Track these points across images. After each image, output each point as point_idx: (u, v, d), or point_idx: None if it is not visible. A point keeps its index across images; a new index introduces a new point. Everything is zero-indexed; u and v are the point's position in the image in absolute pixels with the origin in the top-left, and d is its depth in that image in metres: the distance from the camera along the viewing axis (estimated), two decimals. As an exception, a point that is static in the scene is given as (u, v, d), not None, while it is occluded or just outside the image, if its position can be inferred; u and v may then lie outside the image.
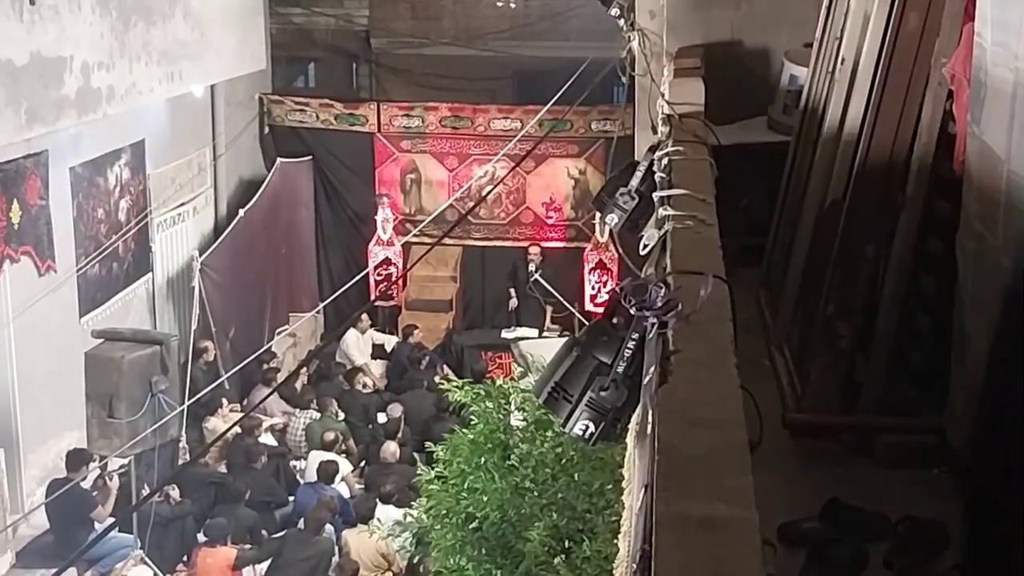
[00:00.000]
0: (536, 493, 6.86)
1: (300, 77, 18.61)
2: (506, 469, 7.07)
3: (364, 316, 14.45)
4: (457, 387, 7.85)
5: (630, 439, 3.50)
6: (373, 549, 10.01)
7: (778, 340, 5.70)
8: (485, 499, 6.88)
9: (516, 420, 7.58)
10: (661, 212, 3.99)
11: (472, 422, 7.47)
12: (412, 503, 8.67)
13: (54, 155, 11.07)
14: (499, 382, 8.12)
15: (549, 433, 7.11)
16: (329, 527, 10.36)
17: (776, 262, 6.49)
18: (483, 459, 7.12)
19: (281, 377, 12.97)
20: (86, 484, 10.29)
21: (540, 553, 6.45)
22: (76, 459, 10.12)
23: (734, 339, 2.83)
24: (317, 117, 15.96)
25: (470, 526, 6.95)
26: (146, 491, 9.91)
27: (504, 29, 17.06)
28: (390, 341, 14.95)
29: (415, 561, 9.02)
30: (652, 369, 2.82)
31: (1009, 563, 3.11)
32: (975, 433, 3.56)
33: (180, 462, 11.03)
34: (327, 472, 11.13)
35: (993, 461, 3.23)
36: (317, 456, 11.60)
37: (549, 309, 15.12)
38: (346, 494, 11.29)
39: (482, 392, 7.69)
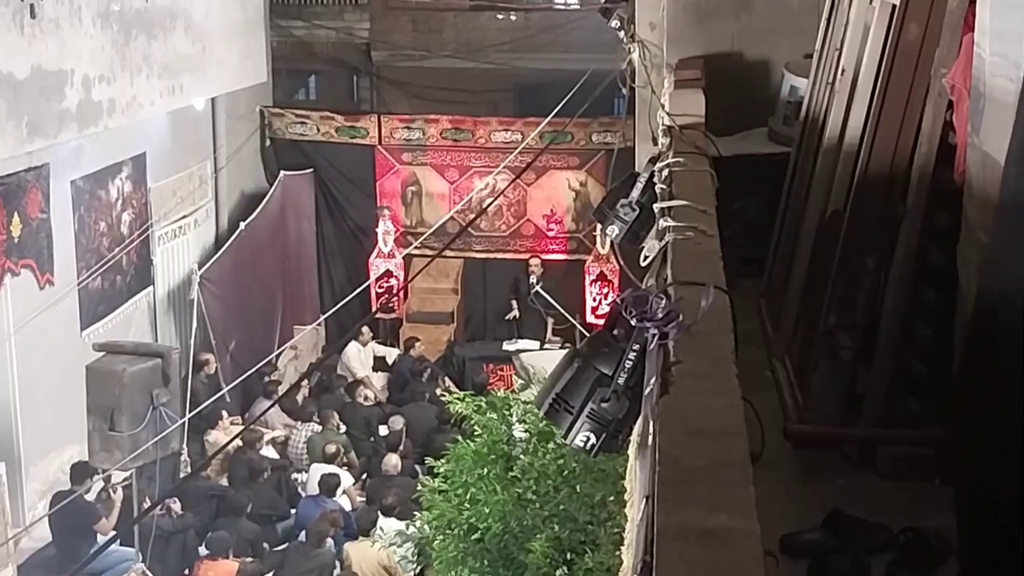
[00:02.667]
0: (538, 505, 6.85)
1: (301, 90, 18.64)
2: (508, 481, 7.06)
3: (365, 328, 14.45)
4: (459, 399, 7.85)
5: (631, 450, 3.50)
6: (375, 562, 9.99)
7: (779, 351, 5.70)
8: (487, 510, 6.88)
9: (518, 432, 7.57)
10: (662, 223, 3.99)
11: (475, 433, 7.46)
12: (414, 516, 8.66)
13: (55, 168, 11.08)
14: (501, 394, 8.12)
15: (551, 445, 7.11)
16: (330, 540, 10.35)
17: (777, 273, 6.49)
18: (485, 470, 7.11)
19: (282, 390, 12.96)
20: (90, 497, 10.28)
21: (543, 564, 6.44)
22: (81, 472, 10.11)
23: (735, 350, 2.83)
24: (318, 130, 15.99)
25: (472, 537, 6.94)
26: (147, 504, 9.90)
27: (505, 41, 17.10)
28: (391, 353, 14.95)
29: (417, 573, 9.00)
30: (653, 380, 2.82)
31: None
32: (978, 448, 3.54)
33: (181, 475, 11.02)
34: (329, 485, 11.12)
35: (996, 476, 3.21)
36: (319, 469, 11.58)
37: (550, 321, 15.12)
38: (348, 507, 11.27)
39: (484, 404, 7.69)
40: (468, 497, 7.03)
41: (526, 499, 6.90)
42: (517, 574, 6.78)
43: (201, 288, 12.62)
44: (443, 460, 7.56)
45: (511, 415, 7.59)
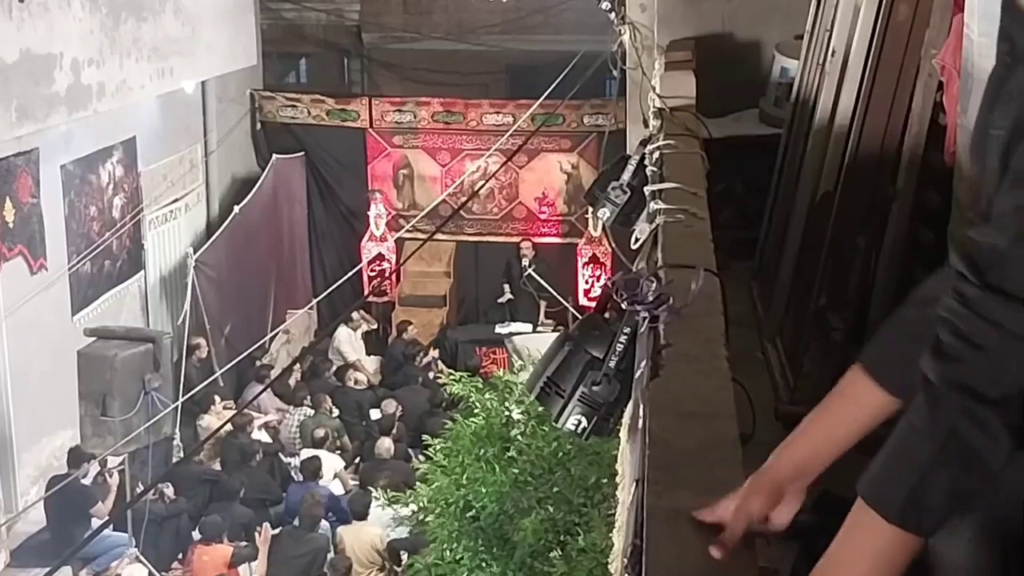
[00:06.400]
0: (532, 487, 6.85)
1: (291, 73, 18.58)
2: (506, 461, 7.06)
3: (356, 313, 14.46)
4: (456, 380, 7.84)
5: (622, 433, 3.50)
6: (368, 545, 10.00)
7: (770, 333, 5.70)
8: (484, 490, 6.88)
9: (516, 413, 7.56)
10: (652, 206, 3.99)
11: (474, 412, 7.45)
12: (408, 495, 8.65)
13: (45, 153, 11.05)
14: (500, 375, 8.11)
15: (546, 427, 7.10)
16: (325, 524, 10.35)
17: (768, 255, 6.49)
18: (483, 450, 7.11)
19: (275, 374, 12.96)
20: (86, 481, 10.29)
21: (533, 543, 6.45)
22: (78, 457, 10.10)
23: (725, 332, 2.83)
24: (309, 113, 15.95)
25: (467, 515, 6.94)
26: (140, 489, 9.91)
27: (496, 23, 17.05)
28: (371, 321, 15.02)
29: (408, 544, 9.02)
30: (644, 363, 2.81)
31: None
32: None
33: (174, 460, 11.02)
34: (309, 469, 11.11)
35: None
36: (311, 453, 11.58)
37: (543, 304, 15.12)
38: (340, 491, 11.27)
39: (480, 385, 7.69)
40: (465, 476, 7.03)
41: (523, 480, 6.90)
42: (511, 554, 6.79)
43: (196, 272, 12.61)
44: (441, 441, 7.55)
45: (512, 395, 7.58)
